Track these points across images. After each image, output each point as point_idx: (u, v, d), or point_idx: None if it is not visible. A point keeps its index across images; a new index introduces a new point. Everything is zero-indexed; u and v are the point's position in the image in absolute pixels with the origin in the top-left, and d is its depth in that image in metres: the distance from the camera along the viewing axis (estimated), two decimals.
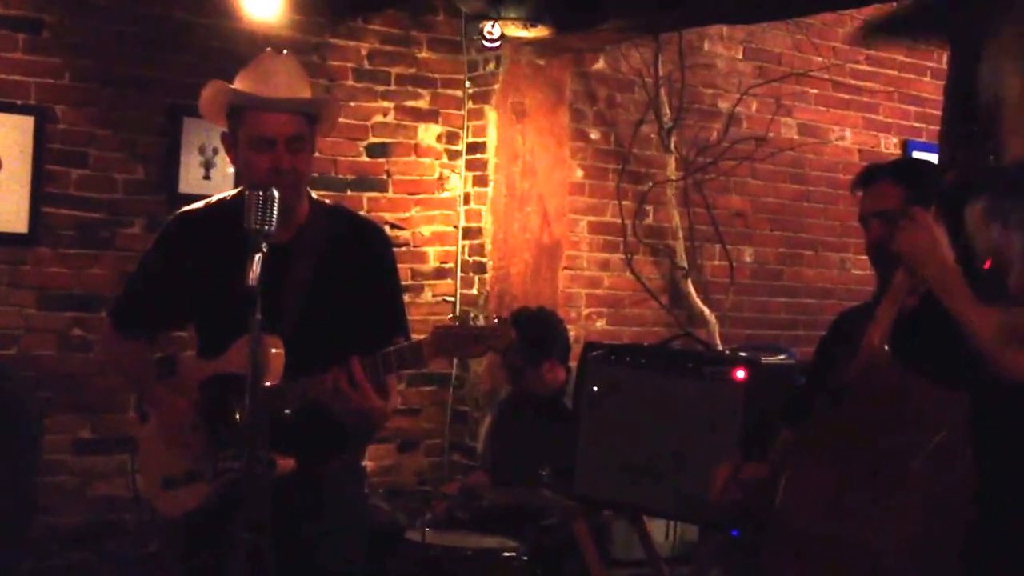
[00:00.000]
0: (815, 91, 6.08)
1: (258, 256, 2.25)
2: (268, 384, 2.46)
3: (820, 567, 2.22)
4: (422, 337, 2.48)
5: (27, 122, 4.35)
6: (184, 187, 4.58)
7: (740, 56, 5.85)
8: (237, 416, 2.25)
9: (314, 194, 2.74)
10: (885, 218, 2.48)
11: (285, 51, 2.73)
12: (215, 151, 4.64)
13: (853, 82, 6.22)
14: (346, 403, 2.46)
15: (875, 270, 2.54)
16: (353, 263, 2.67)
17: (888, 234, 2.45)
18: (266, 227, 2.30)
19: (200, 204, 2.76)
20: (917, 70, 6.43)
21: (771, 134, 5.86)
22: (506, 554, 3.60)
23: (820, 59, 6.02)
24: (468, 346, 2.46)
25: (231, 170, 4.66)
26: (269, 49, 2.70)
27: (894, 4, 6.08)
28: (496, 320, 2.53)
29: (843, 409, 2.34)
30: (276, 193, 2.33)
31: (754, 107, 5.85)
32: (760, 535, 2.45)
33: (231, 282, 2.27)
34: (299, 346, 2.54)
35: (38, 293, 4.41)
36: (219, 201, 2.73)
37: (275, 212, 2.32)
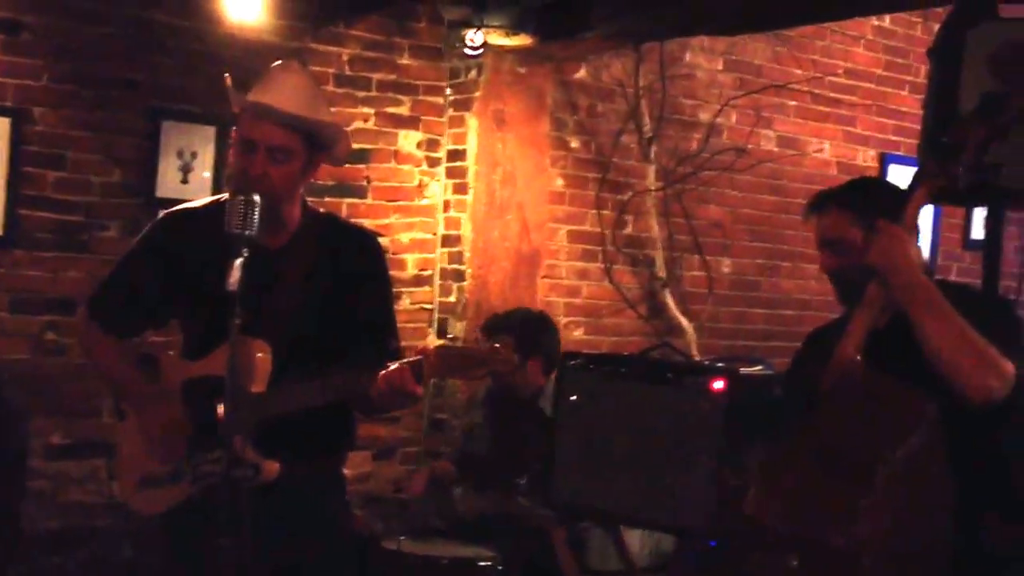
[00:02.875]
0: (794, 103, 6.11)
1: (239, 261, 2.26)
2: (254, 390, 2.48)
3: (795, 571, 2.23)
4: (424, 356, 2.49)
5: (3, 124, 4.31)
6: (161, 191, 4.55)
7: (720, 67, 5.88)
8: (220, 419, 2.26)
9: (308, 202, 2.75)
10: (834, 248, 2.49)
11: (302, 65, 2.74)
12: (193, 155, 4.62)
13: (832, 95, 6.26)
14: (392, 403, 2.49)
15: (836, 294, 2.55)
16: (345, 270, 2.68)
17: (840, 264, 2.47)
18: (247, 231, 2.31)
19: (190, 205, 2.77)
20: (895, 84, 6.47)
21: (750, 146, 5.88)
22: (482, 563, 3.60)
23: (799, 71, 6.05)
24: (471, 368, 2.47)
25: (208, 174, 4.64)
26: (283, 61, 2.71)
27: (873, 17, 6.15)
28: (498, 345, 2.53)
29: (816, 416, 2.35)
30: (258, 198, 2.33)
31: (734, 118, 5.87)
32: (735, 543, 2.46)
33: (216, 285, 2.28)
34: (289, 351, 2.55)
35: (12, 296, 4.37)
36: (209, 204, 2.74)
37: (256, 217, 2.33)
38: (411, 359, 2.48)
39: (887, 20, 6.37)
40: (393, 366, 2.45)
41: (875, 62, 6.41)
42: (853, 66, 6.31)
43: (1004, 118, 2.37)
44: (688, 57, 5.74)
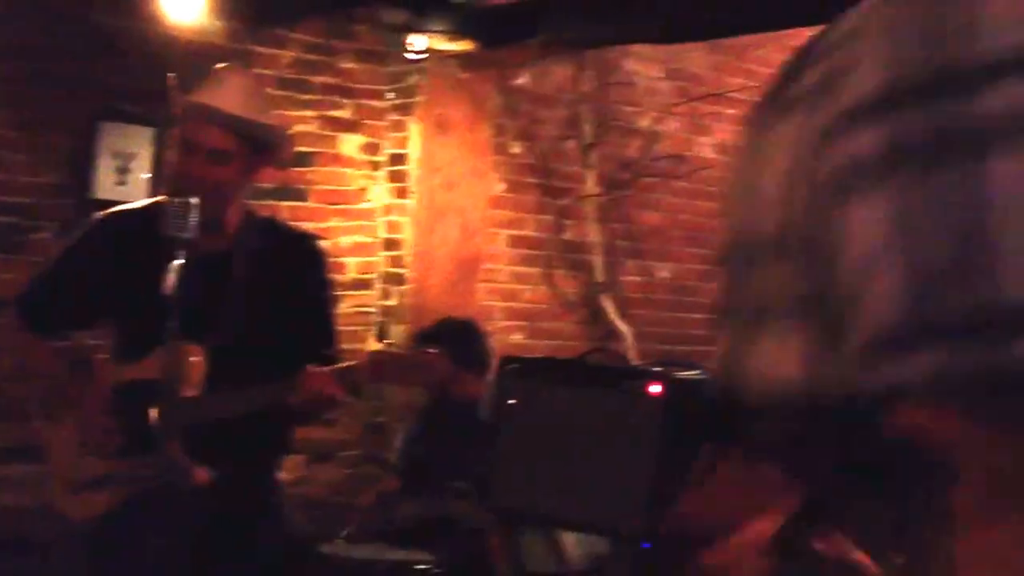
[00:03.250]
0: (732, 111, 6.20)
1: (175, 264, 2.26)
2: (188, 395, 2.47)
3: None
4: (357, 362, 2.51)
5: None
6: (98, 193, 4.50)
7: (660, 75, 5.94)
8: (153, 423, 2.25)
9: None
10: None
11: (245, 67, 2.74)
12: (131, 156, 4.57)
13: None
14: (314, 408, 2.49)
15: None
16: (285, 274, 2.67)
17: None
18: (184, 234, 2.31)
19: (127, 206, 2.76)
20: None
21: (689, 153, 5.95)
22: (419, 567, 3.60)
23: (737, 80, 6.14)
24: (406, 375, 2.49)
25: (146, 176, 4.60)
26: (227, 63, 2.71)
27: (816, 27, 6.26)
28: (434, 352, 2.54)
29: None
30: (196, 201, 2.33)
31: (673, 126, 5.94)
32: (671, 548, 2.49)
33: (151, 288, 2.28)
34: (225, 356, 2.53)
35: None
36: (146, 206, 2.72)
37: (194, 220, 2.32)
38: (341, 365, 2.49)
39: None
40: (316, 370, 2.45)
41: None
42: None
43: None
44: (628, 65, 5.80)
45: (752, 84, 6.20)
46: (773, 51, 6.33)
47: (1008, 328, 0.33)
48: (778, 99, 0.40)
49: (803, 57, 0.40)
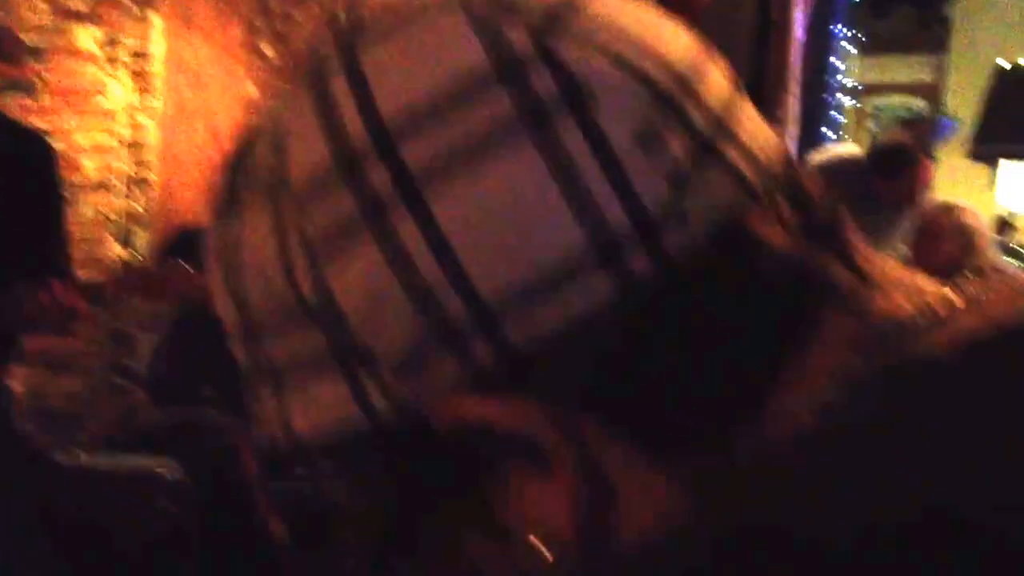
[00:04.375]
0: None
1: None
2: None
3: None
4: (101, 276, 2.42)
5: None
6: None
7: None
8: None
9: None
10: None
11: None
12: None
13: None
14: (57, 322, 2.40)
15: None
16: (12, 176, 2.52)
17: None
18: None
19: None
20: None
21: None
22: (160, 471, 3.55)
23: None
24: (153, 289, 2.43)
25: None
26: None
27: None
28: (182, 266, 2.48)
29: None
30: None
31: None
32: None
33: None
34: None
35: None
36: None
37: None
38: (84, 279, 2.40)
39: None
40: (55, 282, 2.36)
41: None
42: None
43: None
44: None
45: None
46: None
47: (504, 320, 0.40)
48: (232, 194, 0.49)
49: (235, 160, 0.50)
